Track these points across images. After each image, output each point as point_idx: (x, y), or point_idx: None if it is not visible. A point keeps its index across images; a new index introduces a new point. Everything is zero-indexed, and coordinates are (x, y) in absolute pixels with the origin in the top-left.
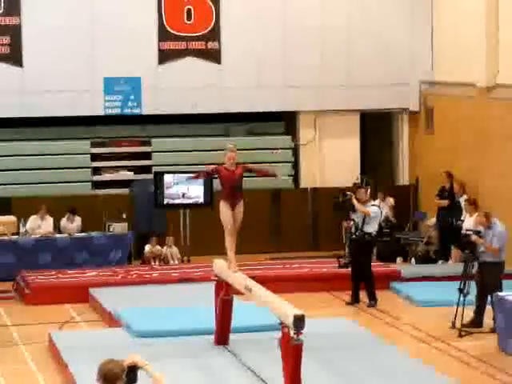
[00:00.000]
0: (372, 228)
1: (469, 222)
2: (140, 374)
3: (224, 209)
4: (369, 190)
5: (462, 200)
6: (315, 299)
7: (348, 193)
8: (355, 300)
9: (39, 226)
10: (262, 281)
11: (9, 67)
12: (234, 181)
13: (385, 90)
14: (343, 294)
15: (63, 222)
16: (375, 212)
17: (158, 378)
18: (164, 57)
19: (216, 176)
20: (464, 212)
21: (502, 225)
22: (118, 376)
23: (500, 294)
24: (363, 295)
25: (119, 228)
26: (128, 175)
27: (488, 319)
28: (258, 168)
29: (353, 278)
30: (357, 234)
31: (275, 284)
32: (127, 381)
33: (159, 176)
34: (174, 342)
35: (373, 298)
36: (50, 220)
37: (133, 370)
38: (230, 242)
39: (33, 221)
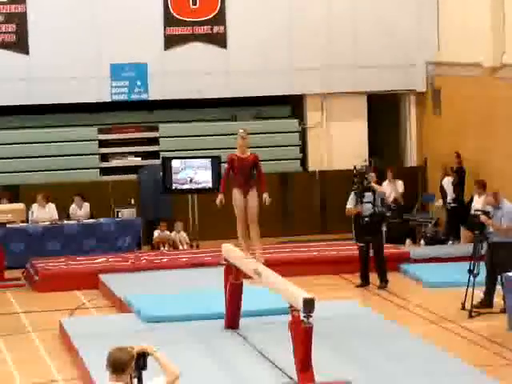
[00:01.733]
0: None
1: (477, 202)
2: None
3: (236, 196)
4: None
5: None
6: (325, 282)
7: (370, 174)
8: (366, 281)
9: (32, 213)
10: (271, 264)
11: (15, 55)
12: (245, 168)
13: (391, 72)
14: (353, 277)
15: (72, 208)
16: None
17: (167, 365)
18: (170, 42)
19: None
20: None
21: (511, 204)
22: (126, 363)
23: (510, 274)
24: (372, 277)
25: (127, 214)
26: (136, 161)
27: (498, 299)
28: (262, 176)
29: (363, 259)
30: (375, 212)
31: (284, 267)
32: (137, 367)
33: (167, 161)
34: (184, 327)
35: (384, 279)
36: (51, 207)
37: (142, 357)
38: (241, 229)
39: (34, 209)
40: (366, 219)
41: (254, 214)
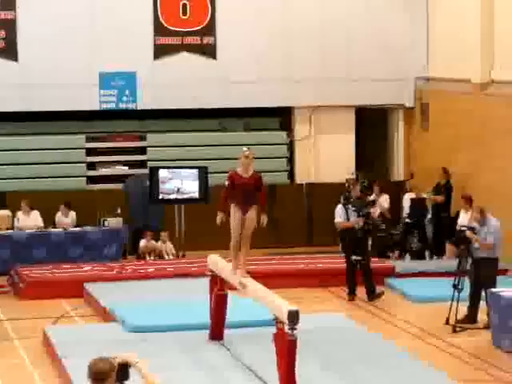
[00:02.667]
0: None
1: (464, 217)
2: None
3: (236, 214)
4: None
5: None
6: (310, 294)
7: (356, 188)
8: (354, 292)
9: (19, 220)
10: (257, 276)
11: (4, 62)
12: (246, 188)
13: (380, 86)
14: (339, 290)
15: (58, 216)
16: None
17: (148, 376)
18: (159, 52)
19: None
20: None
21: (497, 221)
22: (107, 374)
23: (494, 290)
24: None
25: (114, 223)
26: (123, 170)
27: (482, 315)
28: (264, 198)
29: (353, 272)
30: (369, 224)
31: (270, 279)
32: (119, 378)
33: (154, 171)
34: (169, 337)
35: (374, 290)
36: (36, 214)
37: (125, 368)
38: (233, 250)
39: (19, 216)
40: (359, 233)
41: (250, 230)
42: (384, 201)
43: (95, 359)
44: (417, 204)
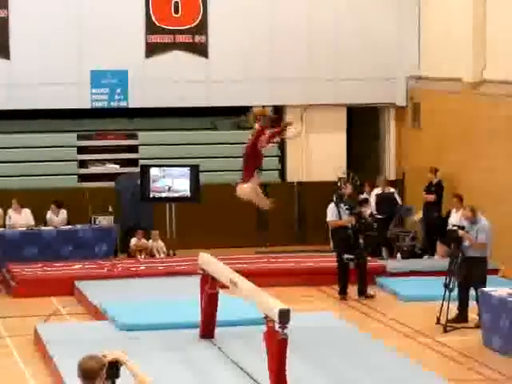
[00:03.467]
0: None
1: (455, 216)
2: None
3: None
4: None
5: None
6: (301, 293)
7: (348, 186)
8: (345, 292)
9: (10, 218)
10: (248, 274)
11: None
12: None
13: (372, 85)
14: (329, 289)
15: (49, 214)
16: None
17: (138, 374)
18: (151, 50)
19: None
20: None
21: (487, 220)
22: (97, 372)
23: (485, 289)
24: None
25: (105, 221)
26: (114, 168)
27: (473, 314)
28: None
29: (346, 271)
30: (362, 223)
31: (261, 278)
32: (109, 376)
33: (145, 169)
34: (159, 336)
35: (365, 290)
36: (27, 212)
37: (115, 366)
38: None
39: (11, 214)
40: (349, 231)
41: None
42: (372, 202)
43: (84, 357)
44: (384, 199)
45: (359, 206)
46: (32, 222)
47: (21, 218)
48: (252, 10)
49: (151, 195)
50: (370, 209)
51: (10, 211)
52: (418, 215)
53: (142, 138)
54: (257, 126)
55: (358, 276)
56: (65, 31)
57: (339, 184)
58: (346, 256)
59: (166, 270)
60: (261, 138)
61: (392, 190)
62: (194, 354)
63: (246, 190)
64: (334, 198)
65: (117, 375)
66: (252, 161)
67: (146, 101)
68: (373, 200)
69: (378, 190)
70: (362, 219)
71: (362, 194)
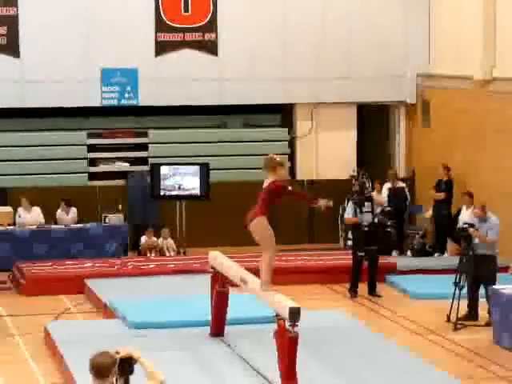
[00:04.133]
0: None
1: (465, 214)
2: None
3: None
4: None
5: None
6: (311, 291)
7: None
8: (355, 290)
9: (20, 217)
10: (258, 273)
11: (6, 58)
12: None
13: (382, 83)
14: (340, 287)
15: (59, 212)
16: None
17: (151, 371)
18: (161, 48)
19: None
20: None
21: (497, 218)
22: (109, 368)
23: (495, 287)
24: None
25: (115, 219)
26: (124, 166)
27: (483, 312)
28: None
29: (358, 269)
30: (374, 221)
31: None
32: (123, 372)
33: (156, 167)
34: (170, 334)
35: (375, 287)
36: (36, 211)
37: (128, 363)
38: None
39: (20, 212)
40: (366, 228)
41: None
42: (384, 197)
43: (96, 354)
44: (395, 193)
45: (367, 201)
46: (42, 221)
47: (31, 217)
48: (262, 8)
49: (161, 193)
50: (379, 205)
51: (20, 210)
52: (428, 213)
53: (152, 137)
54: (282, 172)
55: (368, 273)
56: (75, 29)
57: (354, 180)
58: (359, 253)
59: (177, 268)
60: (290, 189)
61: (402, 184)
62: (205, 352)
63: (265, 225)
64: (351, 196)
65: (130, 372)
66: (275, 199)
67: (156, 99)
68: (385, 194)
69: (388, 185)
70: (376, 216)
71: (368, 191)
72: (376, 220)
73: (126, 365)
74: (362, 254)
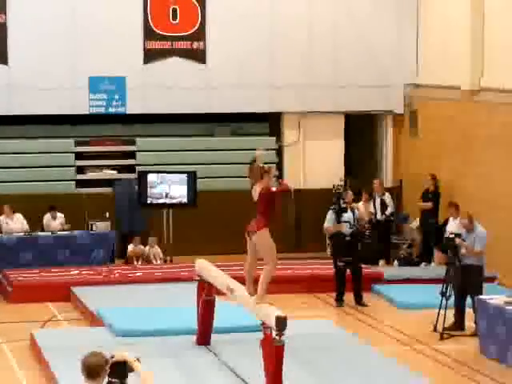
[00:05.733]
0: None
1: (452, 224)
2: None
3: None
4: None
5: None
6: (297, 300)
7: (348, 193)
8: (342, 299)
9: (7, 224)
10: (245, 281)
11: None
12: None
13: (369, 92)
14: (326, 296)
15: (46, 218)
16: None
17: (145, 375)
18: (149, 56)
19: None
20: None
21: (483, 228)
22: (101, 368)
23: (482, 297)
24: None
25: (102, 227)
26: (112, 174)
27: (470, 322)
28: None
29: (341, 278)
30: (354, 231)
31: (258, 285)
32: (117, 376)
33: (143, 175)
34: (156, 342)
35: (361, 297)
36: (19, 217)
37: (122, 367)
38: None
39: (2, 220)
40: (347, 238)
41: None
42: (371, 206)
43: (88, 354)
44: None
45: (342, 213)
46: (26, 227)
47: (14, 223)
48: (250, 17)
49: (148, 201)
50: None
51: (2, 217)
52: (415, 222)
53: (139, 144)
54: (265, 178)
55: (352, 283)
56: (63, 37)
57: (334, 191)
58: (339, 263)
59: (163, 277)
60: (274, 189)
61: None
62: (191, 360)
63: (268, 237)
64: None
65: (124, 375)
66: (272, 207)
67: (143, 107)
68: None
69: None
70: (353, 226)
71: (359, 201)
72: (356, 230)
73: (121, 368)
74: (342, 263)
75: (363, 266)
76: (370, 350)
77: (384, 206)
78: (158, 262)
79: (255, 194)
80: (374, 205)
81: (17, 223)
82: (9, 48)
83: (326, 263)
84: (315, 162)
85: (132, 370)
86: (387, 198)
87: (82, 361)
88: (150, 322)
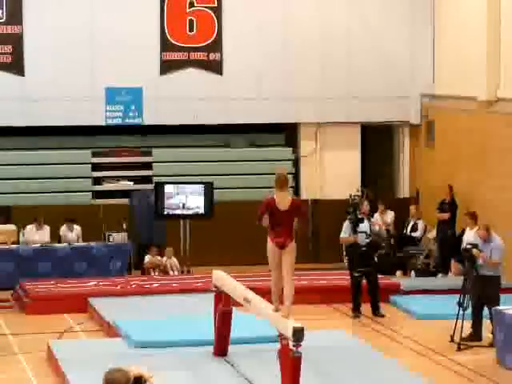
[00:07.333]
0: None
1: (469, 235)
2: None
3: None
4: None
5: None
6: (315, 311)
7: (364, 203)
8: (359, 312)
9: (35, 235)
10: (262, 292)
11: (11, 76)
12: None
13: (386, 103)
14: (343, 307)
15: (62, 230)
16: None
17: None
18: (166, 67)
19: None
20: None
21: (500, 238)
22: None
23: (499, 308)
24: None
25: (119, 238)
26: (128, 185)
27: (487, 333)
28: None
29: (357, 289)
30: (371, 241)
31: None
32: None
33: (160, 186)
34: (173, 353)
35: (379, 308)
36: (46, 229)
37: (139, 382)
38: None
39: (29, 230)
40: (363, 249)
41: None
42: (388, 217)
43: (111, 369)
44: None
45: (358, 224)
46: (48, 239)
47: (39, 234)
48: (266, 29)
49: (165, 212)
50: (377, 227)
51: (29, 227)
52: (431, 233)
53: (156, 155)
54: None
55: (369, 294)
56: (80, 48)
57: (350, 201)
58: (355, 274)
59: (180, 287)
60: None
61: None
62: (208, 371)
63: (295, 250)
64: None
65: None
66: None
67: (160, 118)
68: (391, 215)
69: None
70: (368, 236)
71: (376, 212)
72: (372, 240)
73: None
74: (357, 274)
75: (380, 276)
76: (383, 361)
77: (414, 229)
78: (175, 272)
79: (284, 204)
80: (407, 227)
81: (42, 234)
82: (25, 59)
83: (343, 274)
84: (332, 172)
85: None
86: (420, 223)
87: (105, 376)
88: (166, 334)
